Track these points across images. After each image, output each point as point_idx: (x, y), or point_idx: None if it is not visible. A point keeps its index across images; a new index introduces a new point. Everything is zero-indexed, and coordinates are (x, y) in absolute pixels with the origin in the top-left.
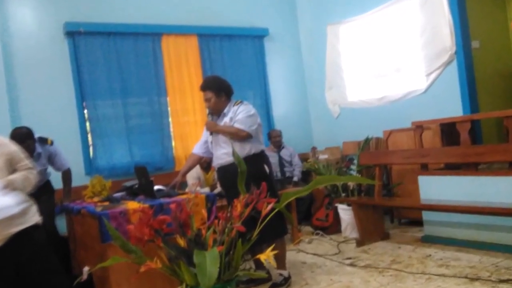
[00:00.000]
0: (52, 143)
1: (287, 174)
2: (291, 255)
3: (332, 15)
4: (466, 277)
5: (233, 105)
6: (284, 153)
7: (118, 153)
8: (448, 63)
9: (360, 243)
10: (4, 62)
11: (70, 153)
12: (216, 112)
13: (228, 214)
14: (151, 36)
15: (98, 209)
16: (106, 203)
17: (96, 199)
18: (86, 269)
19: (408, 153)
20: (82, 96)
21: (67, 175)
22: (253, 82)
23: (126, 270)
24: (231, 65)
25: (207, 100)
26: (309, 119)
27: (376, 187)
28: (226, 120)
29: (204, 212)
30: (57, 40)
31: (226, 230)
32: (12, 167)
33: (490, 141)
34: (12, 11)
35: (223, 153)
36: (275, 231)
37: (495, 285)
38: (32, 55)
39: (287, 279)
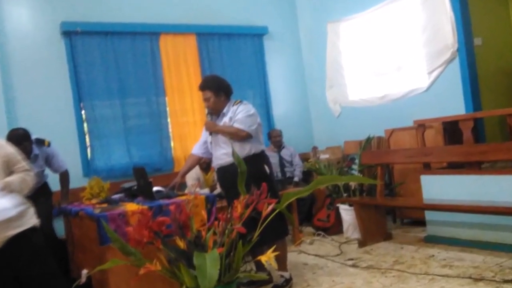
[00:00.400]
0: (49, 145)
1: (288, 174)
2: (292, 256)
3: (332, 12)
4: (470, 278)
5: (233, 105)
6: (285, 153)
7: (116, 154)
8: (450, 60)
9: (362, 243)
10: (0, 63)
11: (68, 155)
12: (215, 112)
13: (228, 215)
14: (149, 35)
15: (97, 211)
16: (105, 205)
17: (94, 201)
18: (84, 272)
19: (410, 152)
20: (79, 96)
21: (64, 177)
22: (253, 81)
23: (125, 273)
24: (230, 64)
25: (206, 99)
26: (310, 119)
27: (378, 187)
28: (225, 120)
29: (204, 213)
30: (54, 40)
31: (226, 231)
32: (9, 169)
33: (493, 139)
34: (8, 11)
35: (223, 153)
36: (276, 232)
37: (499, 286)
38: (29, 55)
39: (288, 281)
